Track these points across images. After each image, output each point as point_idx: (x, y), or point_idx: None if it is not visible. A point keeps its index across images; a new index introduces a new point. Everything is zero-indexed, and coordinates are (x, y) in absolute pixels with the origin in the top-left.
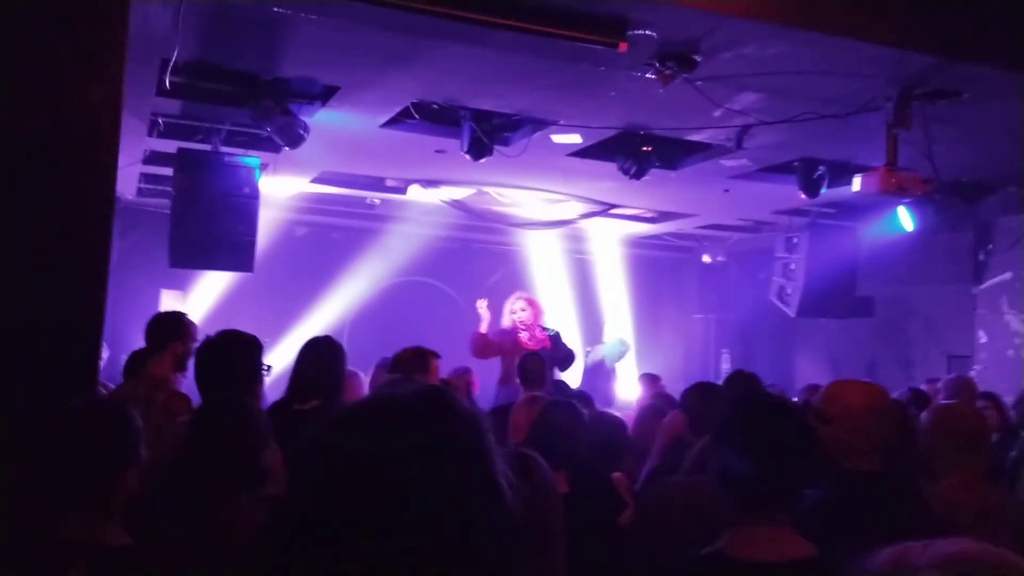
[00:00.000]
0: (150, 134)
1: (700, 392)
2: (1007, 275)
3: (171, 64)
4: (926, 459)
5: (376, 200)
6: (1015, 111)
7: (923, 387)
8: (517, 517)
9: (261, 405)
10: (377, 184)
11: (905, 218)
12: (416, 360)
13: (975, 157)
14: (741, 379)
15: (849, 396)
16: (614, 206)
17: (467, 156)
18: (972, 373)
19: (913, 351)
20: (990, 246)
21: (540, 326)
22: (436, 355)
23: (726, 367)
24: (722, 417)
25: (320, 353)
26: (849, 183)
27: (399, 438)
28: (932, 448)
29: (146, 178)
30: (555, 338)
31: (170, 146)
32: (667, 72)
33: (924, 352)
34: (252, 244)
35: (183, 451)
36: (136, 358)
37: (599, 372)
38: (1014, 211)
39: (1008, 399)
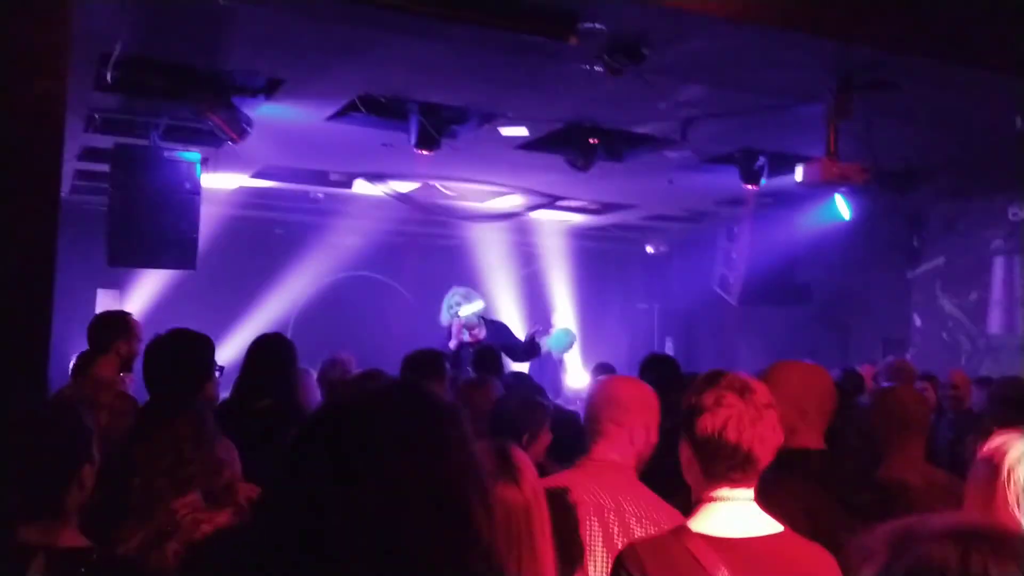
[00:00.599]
0: (86, 130)
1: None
2: (940, 260)
3: (113, 58)
4: (870, 440)
5: (320, 194)
6: (949, 100)
7: (860, 370)
8: (497, 508)
9: (212, 405)
10: (321, 178)
11: (842, 207)
12: (432, 364)
13: (909, 146)
14: (657, 363)
15: (788, 375)
16: (560, 198)
17: (415, 149)
18: (907, 356)
19: (851, 336)
20: (924, 232)
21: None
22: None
23: (670, 354)
24: (688, 396)
25: (271, 351)
26: (789, 173)
27: (384, 433)
28: (877, 429)
29: (81, 175)
30: (501, 328)
31: (107, 141)
32: (616, 65)
33: (861, 337)
34: (194, 241)
35: (129, 451)
36: (83, 359)
37: (547, 363)
38: (947, 198)
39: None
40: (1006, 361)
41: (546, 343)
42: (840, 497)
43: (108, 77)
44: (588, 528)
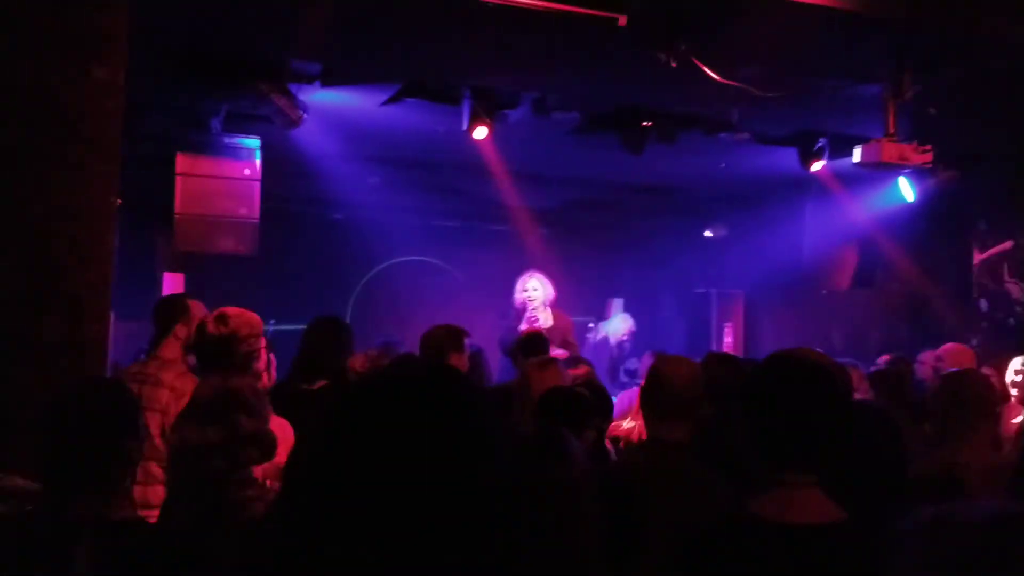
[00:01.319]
0: (148, 117)
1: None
2: (1008, 244)
3: (173, 49)
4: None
5: (376, 180)
6: (1012, 81)
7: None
8: (522, 496)
9: (261, 385)
10: (377, 164)
11: (906, 189)
12: (449, 339)
13: (974, 127)
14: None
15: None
16: (612, 181)
17: (468, 133)
18: (973, 342)
19: (916, 321)
20: (992, 215)
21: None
22: (466, 333)
23: (728, 340)
24: (751, 378)
25: (328, 333)
26: (848, 155)
27: (408, 414)
28: (944, 412)
29: (143, 162)
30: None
31: (171, 129)
32: (669, 47)
33: (926, 322)
34: (255, 226)
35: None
36: (151, 341)
37: (603, 348)
38: (1014, 178)
39: None
40: None
41: (603, 328)
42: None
43: (169, 67)
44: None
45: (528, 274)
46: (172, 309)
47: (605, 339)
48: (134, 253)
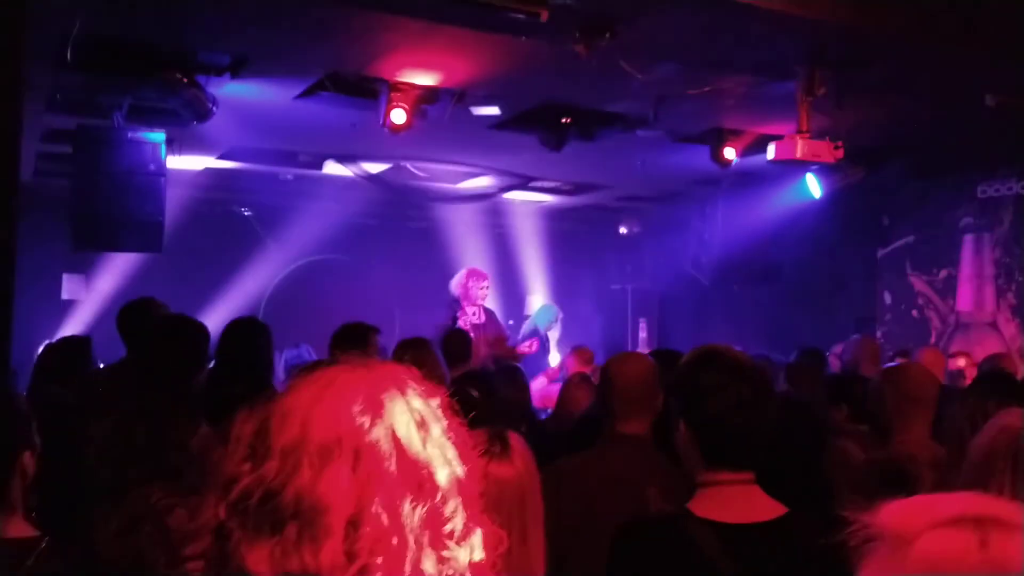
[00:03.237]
0: (48, 110)
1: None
2: (910, 238)
3: (72, 36)
4: (882, 418)
5: (289, 176)
6: (918, 78)
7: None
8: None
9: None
10: (290, 159)
11: (813, 185)
12: (356, 336)
13: (881, 123)
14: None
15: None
16: (532, 179)
17: (384, 129)
18: (878, 334)
19: (822, 315)
20: (894, 210)
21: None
22: (376, 330)
23: (643, 336)
24: (680, 378)
25: (245, 336)
26: (761, 152)
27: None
28: (886, 406)
29: (44, 157)
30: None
31: (70, 122)
32: (587, 42)
33: (832, 316)
34: (160, 223)
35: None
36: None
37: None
38: (917, 176)
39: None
40: (975, 338)
41: (531, 322)
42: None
43: (68, 56)
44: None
45: (473, 269)
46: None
47: (536, 332)
48: (37, 256)
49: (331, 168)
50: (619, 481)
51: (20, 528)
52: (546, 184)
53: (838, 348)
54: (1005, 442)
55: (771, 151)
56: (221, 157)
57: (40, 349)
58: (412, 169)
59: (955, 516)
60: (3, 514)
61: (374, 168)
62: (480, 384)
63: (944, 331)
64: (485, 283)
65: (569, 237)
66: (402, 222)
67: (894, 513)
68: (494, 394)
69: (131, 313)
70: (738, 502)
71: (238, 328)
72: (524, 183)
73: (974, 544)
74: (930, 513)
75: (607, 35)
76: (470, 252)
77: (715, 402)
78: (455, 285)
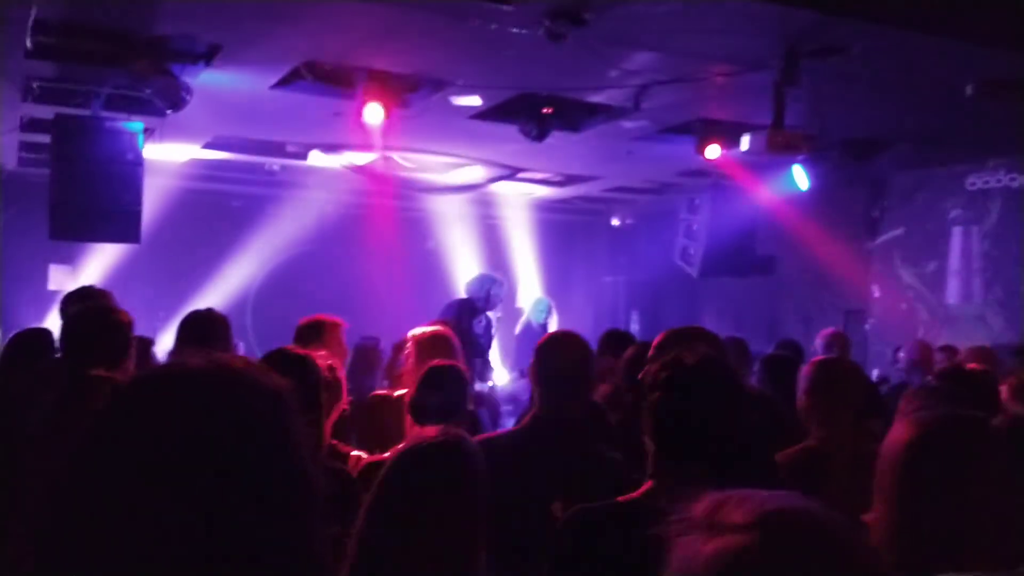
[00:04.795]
0: (24, 99)
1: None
2: (899, 230)
3: (30, 21)
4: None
5: (276, 166)
6: (901, 67)
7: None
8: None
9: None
10: (277, 149)
11: (800, 177)
12: (313, 331)
13: (865, 115)
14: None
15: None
16: (520, 170)
17: (363, 119)
18: (866, 326)
19: (812, 307)
20: (884, 202)
21: None
22: (338, 324)
23: (635, 327)
24: (654, 372)
25: (201, 328)
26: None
27: (185, 411)
28: (807, 399)
29: (27, 147)
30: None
31: (48, 112)
32: (557, 30)
33: (823, 307)
34: (138, 214)
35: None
36: None
37: (530, 335)
38: (906, 168)
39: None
40: (963, 331)
41: (524, 316)
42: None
43: (28, 42)
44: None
45: (490, 275)
46: None
47: (529, 325)
48: (23, 246)
49: (316, 159)
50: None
51: None
52: (535, 175)
53: (820, 342)
54: (891, 451)
55: (744, 142)
56: (206, 147)
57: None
58: (398, 159)
59: (755, 518)
60: None
61: (360, 159)
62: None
63: (932, 324)
64: (502, 290)
65: (561, 229)
66: (391, 213)
67: (707, 505)
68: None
69: (66, 303)
70: (690, 494)
71: (193, 320)
72: (512, 174)
73: (755, 548)
74: (729, 511)
75: (576, 23)
76: (460, 244)
77: (677, 396)
78: (473, 288)
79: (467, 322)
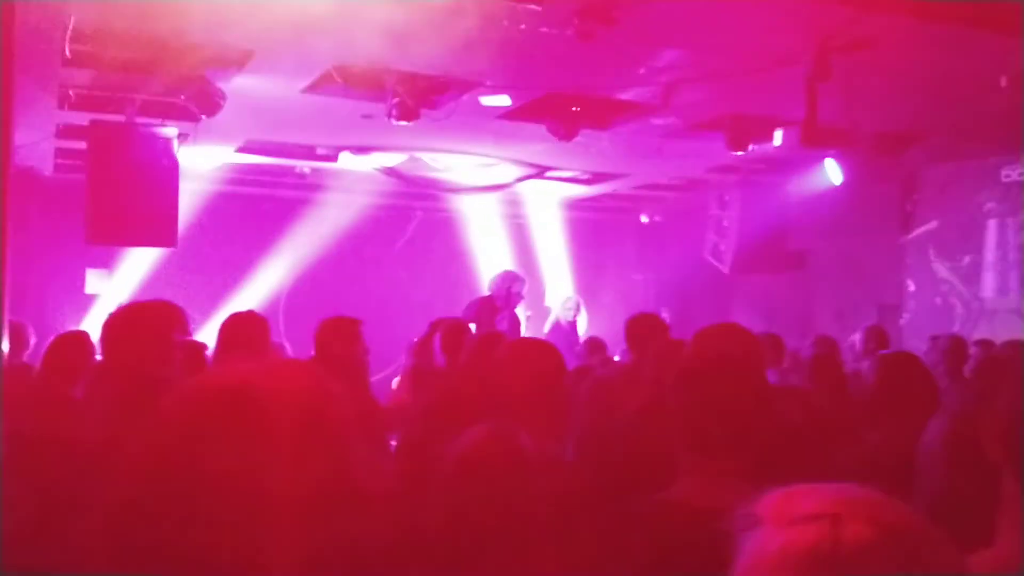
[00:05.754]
0: (61, 107)
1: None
2: (933, 224)
3: (69, 31)
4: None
5: (306, 169)
6: (933, 60)
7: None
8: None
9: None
10: (307, 152)
11: (833, 171)
12: (338, 331)
13: (900, 108)
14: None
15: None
16: (548, 169)
17: (393, 121)
18: (901, 321)
19: (845, 302)
20: (917, 196)
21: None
22: (357, 321)
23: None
24: (685, 366)
25: (242, 329)
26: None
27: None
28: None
29: (62, 153)
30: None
31: (83, 118)
32: (587, 29)
33: (856, 303)
34: (174, 218)
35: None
36: None
37: (560, 334)
38: (939, 161)
39: None
40: (1000, 324)
41: (552, 315)
42: None
43: (67, 51)
44: None
45: (512, 272)
46: None
47: (558, 324)
48: (61, 251)
49: (346, 161)
50: None
51: None
52: (563, 174)
53: (859, 336)
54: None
55: (777, 137)
56: (239, 151)
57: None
58: (428, 161)
59: (816, 510)
60: None
61: (389, 160)
62: None
63: (968, 318)
64: (524, 288)
65: (590, 227)
66: (420, 213)
67: (769, 503)
68: None
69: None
70: (721, 491)
71: (234, 322)
72: (540, 173)
73: (828, 538)
74: (797, 505)
75: (605, 21)
76: (489, 243)
77: (708, 391)
78: (495, 286)
79: (488, 320)
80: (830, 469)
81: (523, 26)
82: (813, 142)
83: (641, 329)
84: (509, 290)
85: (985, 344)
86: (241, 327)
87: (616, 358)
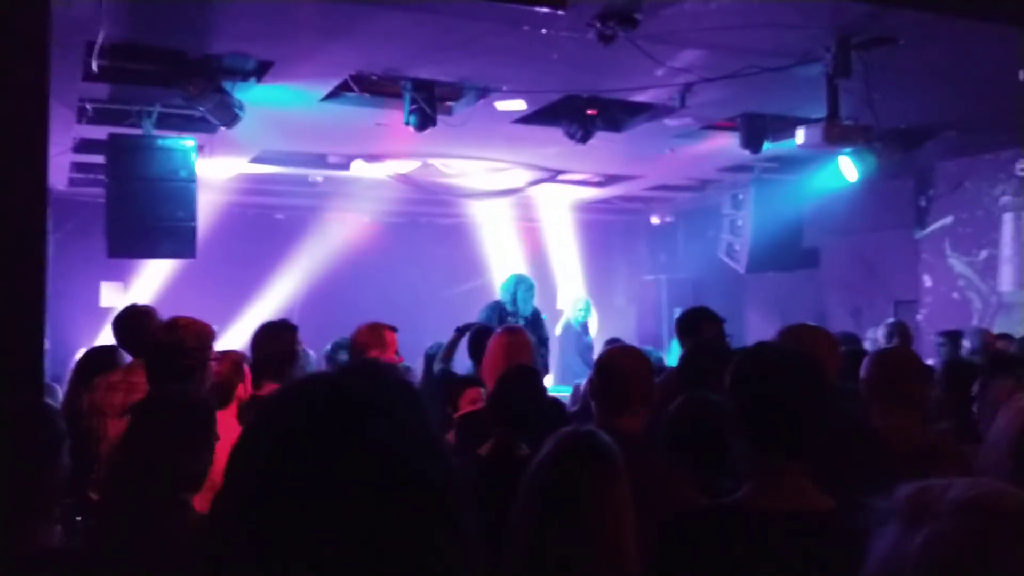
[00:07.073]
0: (79, 121)
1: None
2: (948, 219)
3: (97, 46)
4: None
5: (319, 178)
6: (950, 55)
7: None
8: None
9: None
10: (319, 161)
11: (848, 168)
12: (372, 336)
13: (915, 103)
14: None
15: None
16: (561, 172)
17: (410, 128)
18: (918, 317)
19: (861, 299)
20: (931, 191)
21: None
22: (393, 329)
23: None
24: (737, 366)
25: (275, 337)
26: (791, 137)
27: (331, 413)
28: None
29: (77, 167)
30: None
31: (100, 132)
32: (608, 32)
33: (871, 299)
34: (193, 229)
35: (122, 450)
36: None
37: (570, 336)
38: (953, 156)
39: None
40: (1018, 318)
41: (564, 318)
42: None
43: (94, 66)
44: None
45: (520, 275)
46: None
47: (569, 326)
48: (75, 264)
49: (359, 168)
50: None
51: (42, 541)
52: (575, 177)
53: (882, 331)
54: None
55: (800, 136)
56: (253, 161)
57: (77, 356)
58: (440, 166)
59: (966, 502)
60: (25, 527)
61: (402, 167)
62: None
63: (986, 312)
64: (532, 290)
65: (601, 229)
66: (432, 219)
67: (909, 495)
68: None
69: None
70: (787, 491)
71: (267, 330)
72: (553, 176)
73: (980, 531)
74: (944, 497)
75: (627, 24)
76: (502, 247)
77: (771, 390)
78: (503, 291)
79: (497, 324)
80: (889, 466)
81: (544, 30)
82: (836, 139)
83: (692, 322)
84: (514, 294)
85: (1006, 338)
86: (273, 336)
87: None
